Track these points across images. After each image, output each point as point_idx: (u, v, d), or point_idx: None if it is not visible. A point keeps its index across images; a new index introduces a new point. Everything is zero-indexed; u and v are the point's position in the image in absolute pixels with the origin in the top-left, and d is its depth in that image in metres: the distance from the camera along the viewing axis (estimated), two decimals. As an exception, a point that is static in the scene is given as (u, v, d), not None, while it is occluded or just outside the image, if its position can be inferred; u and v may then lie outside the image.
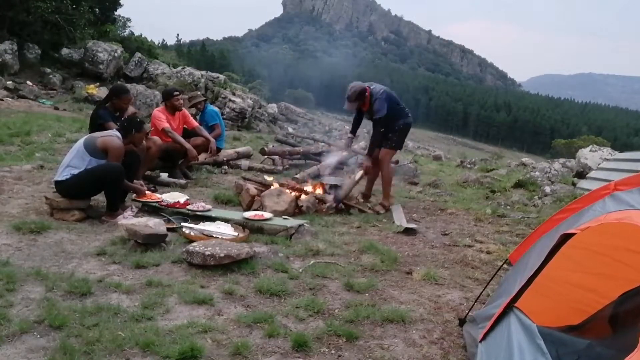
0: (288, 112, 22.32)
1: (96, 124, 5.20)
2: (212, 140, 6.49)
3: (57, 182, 4.18)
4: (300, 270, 3.39)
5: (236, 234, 3.98)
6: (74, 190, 4.14)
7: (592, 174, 7.41)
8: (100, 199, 4.54)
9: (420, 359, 2.42)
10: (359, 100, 5.36)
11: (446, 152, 23.63)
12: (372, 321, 2.74)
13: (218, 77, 16.76)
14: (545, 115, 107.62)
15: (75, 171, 4.13)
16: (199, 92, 7.85)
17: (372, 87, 5.42)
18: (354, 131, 5.96)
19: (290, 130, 16.33)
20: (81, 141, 4.27)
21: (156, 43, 34.50)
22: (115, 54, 14.96)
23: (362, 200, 5.78)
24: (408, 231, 4.62)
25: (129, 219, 3.99)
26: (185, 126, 6.41)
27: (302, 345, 2.39)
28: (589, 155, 8.65)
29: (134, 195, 4.61)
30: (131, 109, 5.53)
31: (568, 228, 2.29)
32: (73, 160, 4.18)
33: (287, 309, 2.79)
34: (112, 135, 4.32)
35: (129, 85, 12.96)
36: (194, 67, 18.61)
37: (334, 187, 5.54)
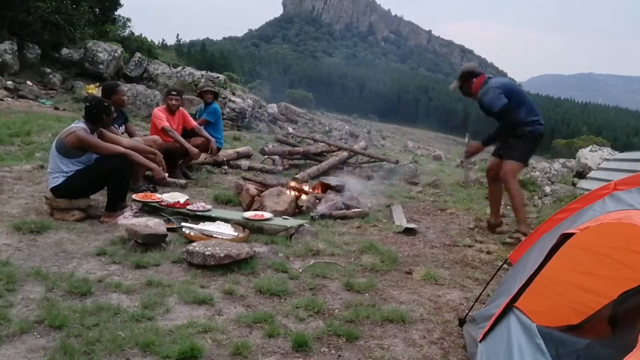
0: (288, 112, 22.33)
1: None
2: (212, 140, 6.49)
3: (52, 190, 4.15)
4: (300, 270, 3.39)
5: (236, 234, 3.98)
6: (75, 190, 4.13)
7: (592, 174, 7.41)
8: (100, 198, 4.54)
9: (420, 359, 2.42)
10: (464, 81, 4.60)
11: (446, 152, 23.63)
12: (372, 321, 2.74)
13: (218, 77, 16.77)
14: (545, 115, 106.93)
15: (64, 175, 4.10)
16: (216, 88, 7.88)
17: (492, 78, 4.63)
18: (486, 143, 4.81)
19: (290, 130, 16.34)
20: (53, 146, 4.20)
21: (156, 43, 34.48)
22: (115, 54, 14.97)
23: (488, 229, 4.82)
24: (408, 231, 4.62)
25: (129, 219, 3.99)
26: (185, 126, 6.41)
27: (302, 345, 2.38)
28: (589, 155, 8.65)
29: (134, 195, 4.61)
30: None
31: (568, 228, 2.30)
32: (52, 165, 4.15)
33: (287, 309, 2.79)
34: (75, 130, 4.08)
35: (129, 85, 12.99)
36: (194, 67, 18.64)
37: (336, 188, 5.55)
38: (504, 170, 4.50)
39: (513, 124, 4.44)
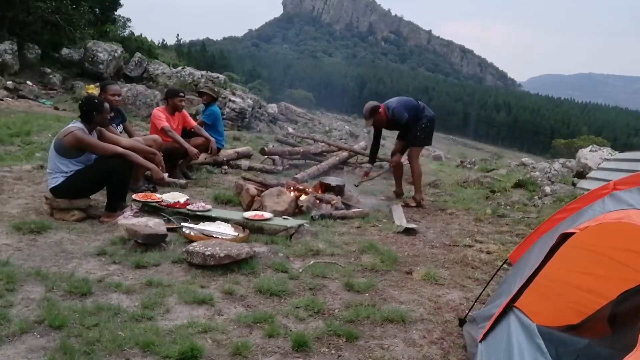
0: (288, 112, 22.34)
1: None
2: (212, 140, 6.50)
3: (51, 190, 4.14)
4: (300, 270, 3.39)
5: (236, 234, 3.98)
6: (74, 190, 4.13)
7: (592, 174, 7.40)
8: (100, 198, 4.54)
9: (420, 359, 2.42)
10: (373, 117, 5.76)
11: (446, 152, 23.63)
12: (372, 321, 2.74)
13: (218, 77, 16.78)
14: (545, 115, 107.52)
15: (64, 175, 4.10)
16: (214, 89, 7.85)
17: (386, 102, 5.91)
18: (372, 161, 6.55)
19: (290, 130, 16.34)
20: (51, 146, 4.19)
21: (156, 43, 34.50)
22: (115, 54, 14.97)
23: (395, 198, 6.20)
24: (408, 231, 4.62)
25: (129, 219, 3.99)
26: (185, 126, 6.42)
27: (302, 345, 2.39)
28: (589, 155, 8.65)
29: (134, 195, 4.61)
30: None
31: (567, 228, 2.30)
32: (51, 166, 4.15)
33: (287, 309, 2.79)
34: (72, 130, 4.07)
35: (128, 85, 13.00)
36: (194, 67, 18.64)
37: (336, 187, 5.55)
38: (410, 154, 6.02)
39: (415, 125, 5.84)
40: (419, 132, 5.87)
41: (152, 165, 4.49)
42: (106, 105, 4.34)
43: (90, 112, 4.18)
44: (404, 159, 6.38)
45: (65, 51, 15.06)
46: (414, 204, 5.80)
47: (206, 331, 2.46)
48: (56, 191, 4.12)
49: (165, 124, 5.97)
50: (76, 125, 4.15)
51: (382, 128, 6.13)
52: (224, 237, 3.80)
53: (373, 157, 6.53)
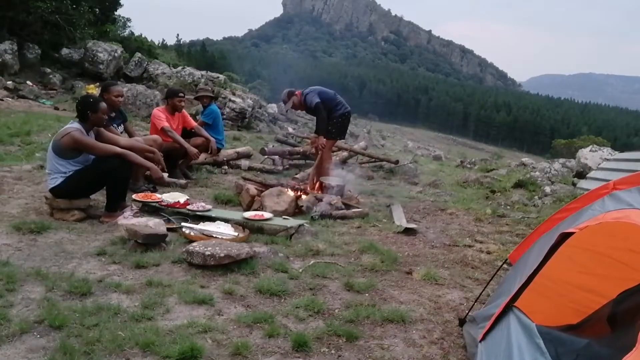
0: (288, 112, 22.30)
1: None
2: (212, 139, 6.50)
3: (51, 190, 4.14)
4: (300, 270, 3.39)
5: (236, 234, 3.98)
6: (74, 190, 4.13)
7: (592, 174, 7.41)
8: (100, 198, 4.54)
9: (420, 359, 2.42)
10: (290, 99, 6.13)
11: (446, 152, 23.66)
12: (372, 321, 2.74)
13: (218, 77, 16.77)
14: (545, 115, 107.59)
15: (63, 175, 4.09)
16: (209, 88, 7.82)
17: (304, 90, 6.23)
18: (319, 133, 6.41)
19: (290, 130, 16.33)
20: (49, 147, 4.19)
21: (156, 43, 34.46)
22: (115, 54, 14.96)
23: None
24: (408, 231, 4.62)
25: (129, 219, 3.99)
26: (185, 126, 6.42)
27: (302, 345, 2.39)
28: (589, 155, 8.65)
29: (134, 195, 4.61)
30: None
31: (567, 227, 2.30)
32: (50, 167, 4.15)
33: (287, 309, 2.79)
34: (70, 131, 4.06)
35: (128, 85, 12.99)
36: (194, 67, 18.61)
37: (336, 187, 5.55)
38: (323, 144, 6.16)
39: (328, 115, 6.06)
40: (331, 125, 6.10)
41: (150, 165, 4.48)
42: (102, 104, 4.30)
43: (85, 111, 4.17)
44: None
45: (65, 51, 15.04)
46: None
47: (206, 331, 2.46)
48: (55, 192, 4.12)
49: (165, 124, 5.97)
50: (73, 126, 4.14)
51: (302, 110, 6.47)
52: (224, 237, 3.80)
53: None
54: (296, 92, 6.19)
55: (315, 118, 6.44)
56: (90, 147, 4.12)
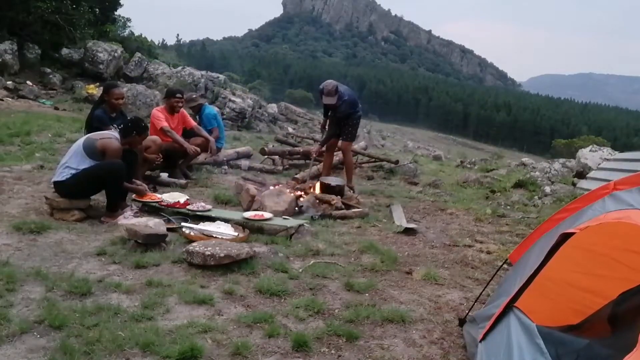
0: (288, 112, 22.30)
1: (92, 126, 5.17)
2: (212, 139, 6.48)
3: (56, 183, 4.18)
4: (300, 270, 3.39)
5: (236, 234, 3.98)
6: (75, 190, 4.14)
7: (592, 174, 7.41)
8: (100, 199, 4.54)
9: (420, 359, 2.42)
10: (336, 95, 5.91)
11: (446, 152, 23.64)
12: (372, 321, 2.74)
13: (218, 77, 16.77)
14: (545, 115, 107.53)
15: (74, 171, 4.12)
16: (194, 95, 7.71)
17: (339, 87, 6.00)
18: (324, 143, 6.47)
19: (290, 130, 16.32)
20: (80, 142, 4.25)
21: (156, 43, 34.51)
22: (115, 54, 14.95)
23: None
24: (408, 231, 4.62)
25: (129, 219, 3.99)
26: (184, 126, 6.41)
27: (302, 345, 2.39)
28: (589, 155, 8.65)
29: (134, 195, 4.61)
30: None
31: (567, 227, 2.30)
32: (71, 161, 4.17)
33: (287, 309, 2.79)
34: (111, 138, 4.29)
35: (128, 85, 12.98)
36: (194, 67, 18.60)
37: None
38: (344, 148, 6.41)
39: (351, 118, 6.10)
40: (351, 127, 6.17)
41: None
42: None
43: (132, 130, 4.45)
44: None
45: (65, 51, 15.03)
46: (350, 192, 5.89)
47: (206, 331, 2.46)
48: (59, 186, 4.14)
49: (165, 124, 5.96)
50: (115, 135, 4.36)
51: (330, 109, 6.16)
52: (224, 237, 3.80)
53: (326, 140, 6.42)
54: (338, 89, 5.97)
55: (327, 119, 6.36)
56: (114, 159, 4.22)
